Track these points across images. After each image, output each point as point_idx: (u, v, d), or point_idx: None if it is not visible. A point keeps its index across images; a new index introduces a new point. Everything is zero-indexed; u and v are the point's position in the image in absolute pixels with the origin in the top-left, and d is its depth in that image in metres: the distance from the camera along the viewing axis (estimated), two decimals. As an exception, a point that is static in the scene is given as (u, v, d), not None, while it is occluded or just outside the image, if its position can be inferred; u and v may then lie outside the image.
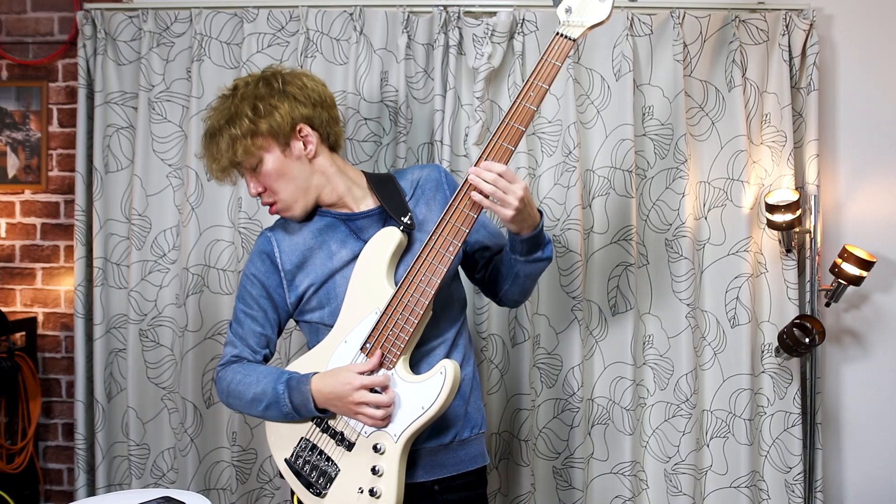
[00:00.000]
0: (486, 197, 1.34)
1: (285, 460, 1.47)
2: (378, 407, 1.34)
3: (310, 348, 1.51)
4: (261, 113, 1.42)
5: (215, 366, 2.29)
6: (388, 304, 1.38)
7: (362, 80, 2.24)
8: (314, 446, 1.43)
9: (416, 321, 1.36)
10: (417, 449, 1.43)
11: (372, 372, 1.37)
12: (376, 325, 1.38)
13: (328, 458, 1.41)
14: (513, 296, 1.59)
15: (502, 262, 1.55)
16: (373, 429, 1.38)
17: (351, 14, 2.25)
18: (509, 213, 1.34)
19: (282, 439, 1.48)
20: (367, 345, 1.39)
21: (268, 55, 2.27)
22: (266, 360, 1.55)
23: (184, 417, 2.28)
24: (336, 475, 1.40)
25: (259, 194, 1.49)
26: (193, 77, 2.27)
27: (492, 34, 2.20)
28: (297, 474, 1.45)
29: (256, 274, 1.52)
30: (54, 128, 2.55)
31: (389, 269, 1.42)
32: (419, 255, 1.37)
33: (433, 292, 1.35)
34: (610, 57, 2.25)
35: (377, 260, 1.42)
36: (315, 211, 1.53)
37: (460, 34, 2.23)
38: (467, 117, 2.24)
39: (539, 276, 1.55)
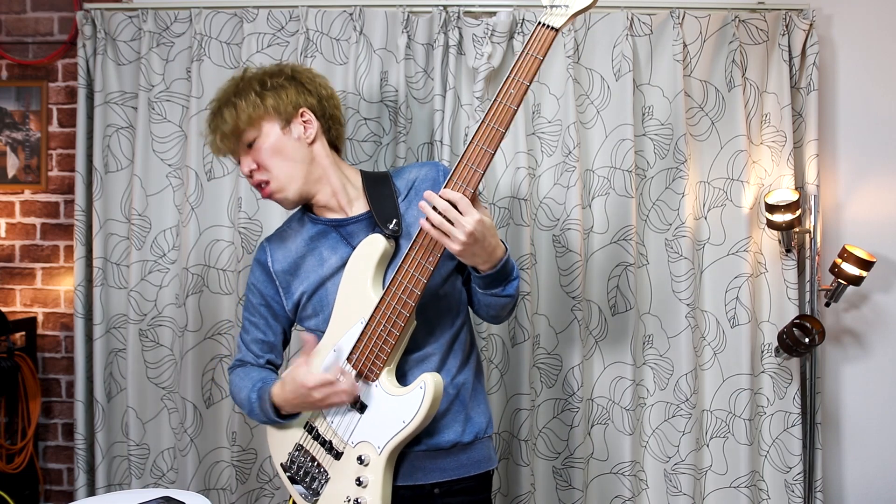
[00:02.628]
0: (434, 227, 1.28)
1: (281, 464, 1.49)
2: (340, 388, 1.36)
3: None
4: (267, 87, 1.44)
5: (216, 366, 2.32)
6: (372, 315, 1.36)
7: (362, 79, 2.24)
8: (307, 452, 1.45)
9: (398, 333, 1.34)
10: (417, 451, 1.42)
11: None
12: (360, 335, 1.37)
13: (319, 465, 1.43)
14: (483, 316, 1.54)
15: None
16: (359, 439, 1.38)
17: (351, 14, 2.25)
18: (455, 247, 1.27)
19: (279, 444, 1.50)
20: (353, 355, 1.38)
21: (268, 55, 2.27)
22: (272, 364, 1.58)
23: (183, 417, 2.28)
24: (326, 482, 1.42)
25: (251, 174, 1.47)
26: (193, 77, 2.27)
27: (491, 34, 2.20)
28: (292, 479, 1.47)
29: (255, 283, 1.55)
30: (54, 128, 2.55)
31: (375, 277, 1.39)
32: (399, 267, 1.34)
33: (414, 304, 1.33)
34: (610, 57, 2.25)
35: (363, 268, 1.39)
36: (306, 214, 1.53)
37: (460, 34, 2.23)
38: (467, 117, 2.24)
39: (505, 308, 1.47)
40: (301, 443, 1.46)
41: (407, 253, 1.34)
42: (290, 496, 1.49)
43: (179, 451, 2.30)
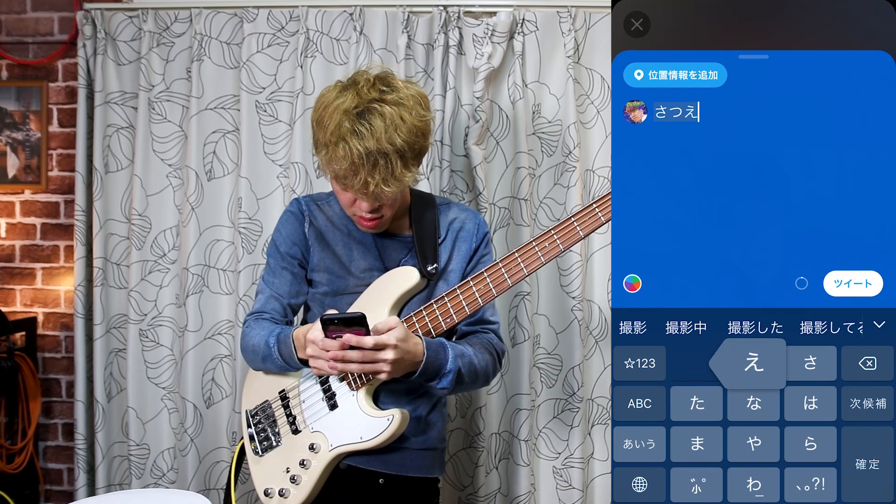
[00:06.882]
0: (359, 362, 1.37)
1: (247, 411, 1.58)
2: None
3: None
4: (419, 156, 1.47)
5: (216, 366, 2.32)
6: None
7: (362, 80, 2.24)
8: (272, 414, 1.54)
9: None
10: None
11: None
12: None
13: (277, 430, 1.53)
14: None
15: None
16: (318, 428, 1.47)
17: (351, 14, 2.25)
18: (383, 377, 1.38)
19: (252, 393, 1.60)
20: None
21: (268, 55, 2.27)
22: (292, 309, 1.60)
23: (184, 417, 2.28)
24: (276, 445, 1.52)
25: (369, 212, 1.47)
26: (193, 77, 2.27)
27: (492, 34, 2.20)
28: (251, 427, 1.56)
29: (288, 233, 1.56)
30: (54, 128, 2.55)
31: (394, 307, 1.47)
32: (428, 305, 1.45)
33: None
34: (610, 57, 2.25)
35: (387, 294, 1.47)
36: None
37: (460, 34, 2.23)
38: (467, 117, 2.24)
39: (463, 389, 1.52)
40: (271, 402, 1.55)
41: (438, 298, 1.44)
42: (241, 439, 1.59)
43: (179, 451, 2.30)
